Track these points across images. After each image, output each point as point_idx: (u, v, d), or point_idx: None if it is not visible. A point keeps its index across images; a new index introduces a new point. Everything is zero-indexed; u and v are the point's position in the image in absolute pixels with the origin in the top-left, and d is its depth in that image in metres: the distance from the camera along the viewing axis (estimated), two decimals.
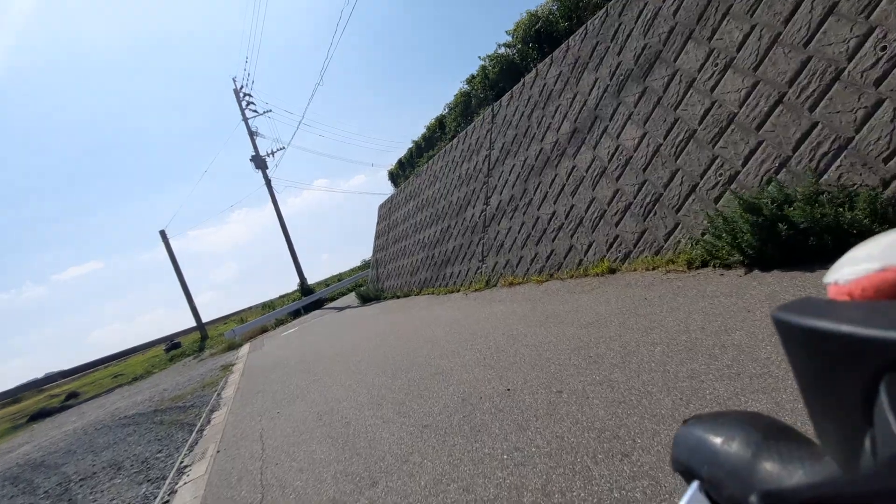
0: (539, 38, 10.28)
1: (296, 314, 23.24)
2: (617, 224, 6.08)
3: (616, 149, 6.33)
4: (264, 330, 20.88)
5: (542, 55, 9.95)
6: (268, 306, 34.32)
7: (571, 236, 6.86)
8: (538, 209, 7.81)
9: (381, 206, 19.04)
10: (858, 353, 0.24)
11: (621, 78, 6.47)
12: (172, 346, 29.35)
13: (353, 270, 40.86)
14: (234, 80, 25.80)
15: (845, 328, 0.24)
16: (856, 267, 0.30)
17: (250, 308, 38.72)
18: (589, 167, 6.77)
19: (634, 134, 6.06)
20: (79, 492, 4.94)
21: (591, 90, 7.02)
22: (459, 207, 10.96)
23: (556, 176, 7.49)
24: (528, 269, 7.76)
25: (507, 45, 10.83)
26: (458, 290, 9.90)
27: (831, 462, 0.28)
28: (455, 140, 12.00)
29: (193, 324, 28.55)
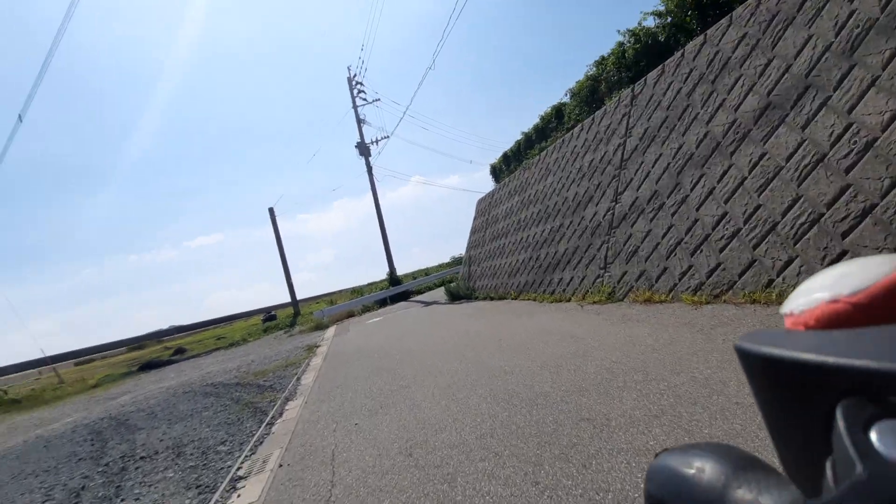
0: (700, 5, 8.38)
1: (382, 303, 23.06)
2: (845, 235, 4.21)
3: (845, 128, 4.44)
4: (351, 314, 20.87)
5: (704, 25, 8.07)
6: (356, 292, 35.07)
7: (755, 247, 5.05)
8: (697, 209, 6.03)
9: (480, 201, 17.91)
10: (814, 381, 0.25)
11: (857, 31, 4.55)
12: (269, 318, 31.10)
13: (440, 266, 40.53)
14: (349, 69, 26.39)
15: (801, 356, 0.25)
16: (808, 297, 0.31)
17: (340, 291, 40.04)
18: (792, 155, 4.91)
19: (882, 105, 4.15)
20: (131, 477, 4.36)
21: (800, 52, 5.13)
22: (577, 204, 9.39)
23: (729, 167, 5.68)
24: (674, 284, 6.02)
25: (656, 14, 9.02)
26: (568, 300, 8.38)
27: (796, 490, 0.29)
28: (577, 128, 10.42)
29: (289, 299, 29.87)
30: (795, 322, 0.31)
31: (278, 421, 5.06)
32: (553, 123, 13.45)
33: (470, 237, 18.00)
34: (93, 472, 4.78)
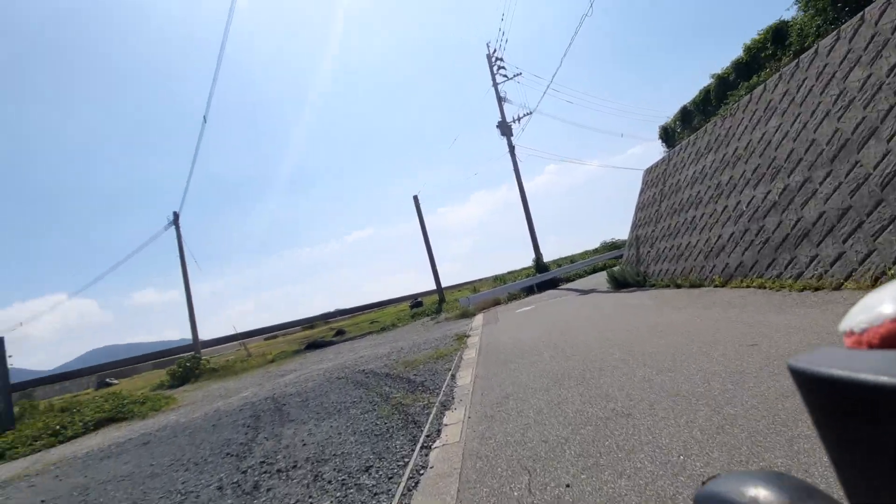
0: None
1: (528, 290, 21.33)
2: None
3: None
4: (497, 302, 19.62)
5: None
6: (499, 280, 33.92)
7: None
8: None
9: (649, 171, 14.86)
10: (885, 406, 0.23)
11: None
12: (415, 304, 31.84)
13: (585, 254, 37.07)
14: (488, 45, 24.96)
15: (866, 378, 0.23)
16: (872, 314, 0.29)
17: (482, 279, 39.49)
18: None
19: None
20: (263, 497, 3.44)
21: None
22: (840, 147, 6.32)
23: None
24: None
25: None
26: (838, 286, 5.57)
27: None
28: (825, 42, 7.16)
29: (433, 287, 30.05)
30: (857, 341, 0.29)
31: (436, 446, 3.67)
32: (770, 50, 9.96)
33: (636, 215, 15.09)
34: (228, 482, 4.03)
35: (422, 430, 4.12)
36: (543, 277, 22.17)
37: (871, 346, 0.28)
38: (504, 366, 6.18)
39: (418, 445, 3.72)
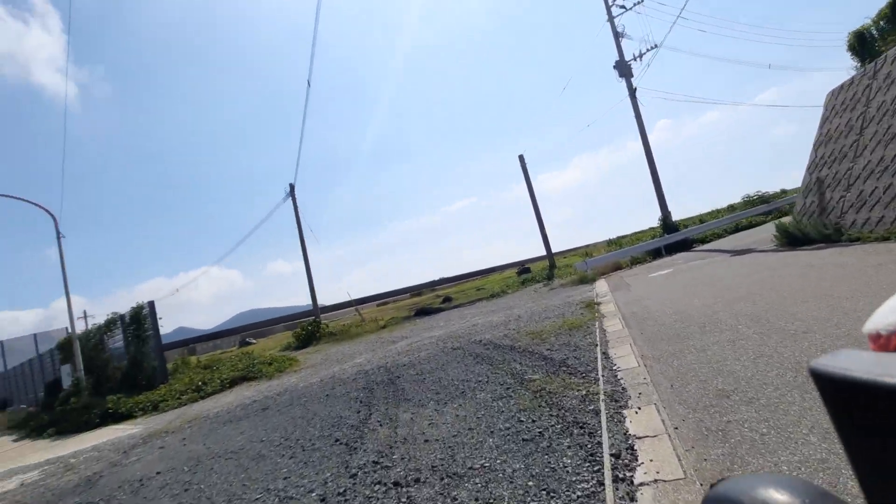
0: None
1: (655, 254, 18.61)
2: None
3: None
4: (617, 266, 17.36)
5: None
6: (613, 244, 30.85)
7: None
8: None
9: (834, 94, 11.32)
10: None
11: None
12: (523, 271, 30.41)
13: (717, 212, 31.97)
14: None
15: (894, 380, 0.22)
16: None
17: (592, 245, 36.47)
18: None
19: None
20: None
21: None
22: None
23: None
24: None
25: None
26: None
27: None
28: None
29: (540, 253, 28.23)
30: (884, 344, 0.28)
31: (643, 482, 2.22)
32: None
33: (815, 152, 11.70)
34: (332, 490, 3.10)
35: (598, 442, 2.75)
36: (673, 238, 19.14)
37: None
38: (680, 342, 4.54)
39: (607, 474, 2.35)
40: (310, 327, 18.82)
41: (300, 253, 21.38)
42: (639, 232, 34.95)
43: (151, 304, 12.93)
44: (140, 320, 13.10)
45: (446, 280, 63.20)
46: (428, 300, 30.44)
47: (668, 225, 20.65)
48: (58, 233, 12.98)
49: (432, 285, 60.36)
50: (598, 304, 9.34)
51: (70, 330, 13.20)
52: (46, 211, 12.92)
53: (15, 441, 11.76)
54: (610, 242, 31.64)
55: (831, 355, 0.27)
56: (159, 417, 9.57)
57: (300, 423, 5.36)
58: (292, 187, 20.83)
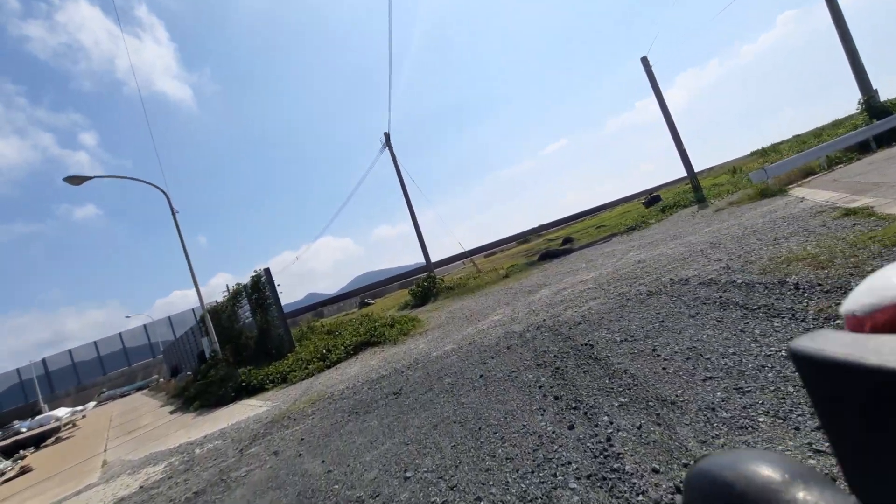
0: None
1: (861, 148, 13.62)
2: None
3: None
4: (809, 172, 12.91)
5: None
6: (768, 152, 24.75)
7: None
8: None
9: None
10: (886, 388, 0.22)
11: None
12: (652, 200, 25.81)
13: None
14: None
15: (871, 361, 0.23)
16: (875, 296, 0.28)
17: (739, 158, 29.99)
18: None
19: None
20: None
21: None
22: None
23: None
24: None
25: None
26: None
27: None
28: None
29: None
30: (859, 324, 0.28)
31: None
32: None
33: None
34: None
35: None
36: (886, 125, 13.80)
37: (874, 330, 0.27)
38: None
39: None
40: (425, 283, 17.42)
41: (402, 215, 19.96)
42: (800, 135, 27.58)
43: (267, 270, 12.20)
44: (260, 288, 12.53)
45: (552, 224, 59.30)
46: (540, 245, 27.64)
47: (874, 108, 15.02)
48: (171, 209, 12.66)
49: (539, 230, 57.24)
50: (865, 209, 5.96)
51: (200, 303, 13.09)
52: (158, 188, 12.65)
53: (171, 413, 12.07)
54: (764, 152, 25.42)
55: (810, 336, 0.27)
56: (287, 392, 8.59)
57: (459, 436, 3.31)
58: (387, 136, 19.10)
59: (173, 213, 12.69)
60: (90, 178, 11.59)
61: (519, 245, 43.43)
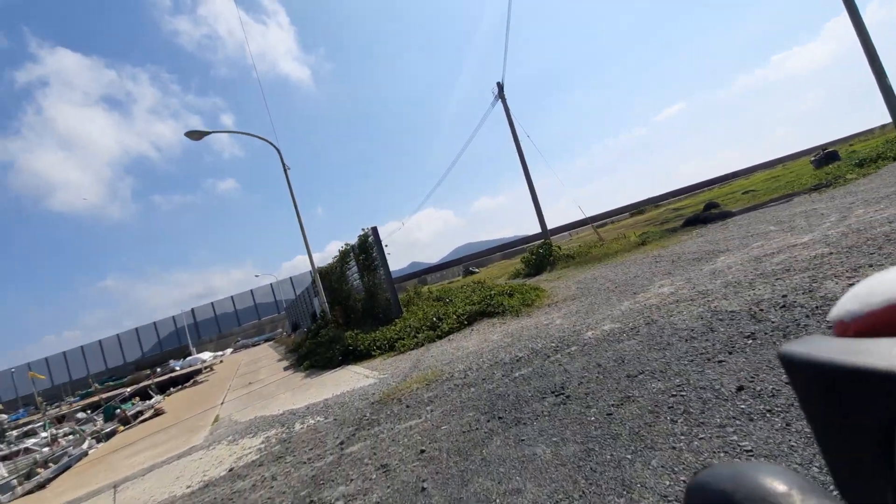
0: None
1: None
2: None
3: None
4: None
5: None
6: None
7: None
8: None
9: None
10: (875, 393, 0.22)
11: None
12: (826, 158, 20.48)
13: None
14: None
15: (860, 365, 0.22)
16: (861, 303, 0.28)
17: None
18: None
19: None
20: None
21: None
22: None
23: None
24: None
25: None
26: None
27: None
28: None
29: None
30: (846, 329, 0.28)
31: None
32: None
33: None
34: None
35: None
36: None
37: (860, 335, 0.27)
38: None
39: None
40: (540, 251, 15.40)
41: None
42: None
43: (374, 229, 11.21)
44: (367, 248, 11.65)
45: (669, 195, 52.70)
46: (663, 214, 23.71)
47: None
48: (283, 164, 12.20)
49: (653, 202, 51.34)
50: None
51: (309, 258, 12.67)
52: (271, 143, 12.26)
53: (285, 370, 11.94)
54: None
55: (800, 341, 0.27)
56: (395, 363, 7.45)
57: None
58: (500, 87, 16.98)
59: (285, 170, 12.25)
60: (208, 132, 11.49)
61: (633, 216, 38.83)
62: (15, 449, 17.14)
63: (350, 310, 14.01)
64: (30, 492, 7.47)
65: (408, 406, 4.52)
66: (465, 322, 8.83)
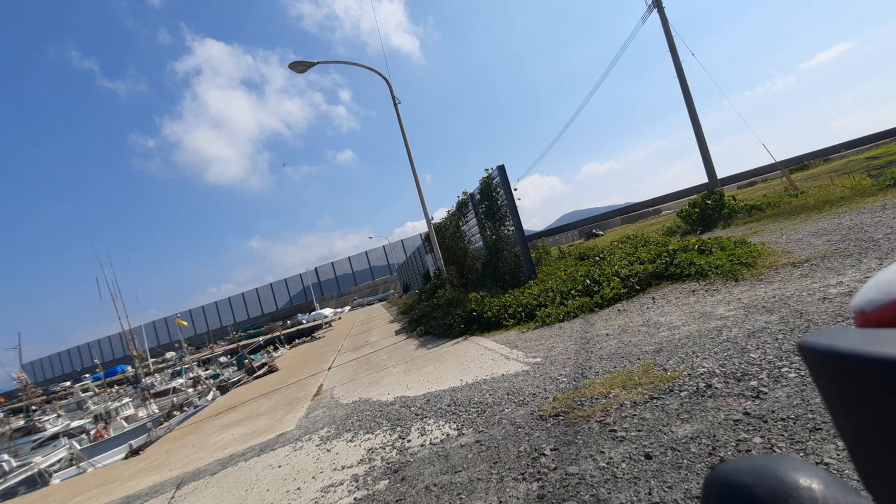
0: None
1: None
2: None
3: None
4: None
5: None
6: None
7: None
8: None
9: None
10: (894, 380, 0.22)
11: None
12: None
13: None
14: None
15: (883, 356, 0.22)
16: (882, 292, 0.27)
17: None
18: None
19: None
20: None
21: None
22: None
23: None
24: None
25: None
26: None
27: None
28: None
29: None
30: (868, 320, 0.27)
31: None
32: None
33: None
34: None
35: None
36: None
37: (883, 325, 0.26)
38: None
39: None
40: (707, 202, 11.66)
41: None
42: None
43: (501, 168, 8.83)
44: (490, 193, 9.36)
45: (806, 157, 41.90)
46: (816, 172, 17.45)
47: None
48: (394, 98, 10.32)
49: (826, 153, 41.41)
50: None
51: (421, 203, 10.82)
52: (380, 75, 10.42)
53: (396, 333, 10.47)
54: None
55: (820, 332, 0.26)
56: (542, 339, 5.16)
57: None
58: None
59: (395, 103, 10.38)
60: (313, 63, 10.02)
61: (796, 171, 30.89)
62: (167, 387, 19.10)
63: (466, 270, 12.05)
64: (149, 442, 6.90)
65: (620, 439, 2.16)
66: (636, 287, 6.15)
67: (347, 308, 42.63)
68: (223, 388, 12.32)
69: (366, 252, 54.40)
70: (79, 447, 12.39)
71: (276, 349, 19.50)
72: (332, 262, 54.39)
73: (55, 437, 14.72)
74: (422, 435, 3.11)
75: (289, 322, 41.28)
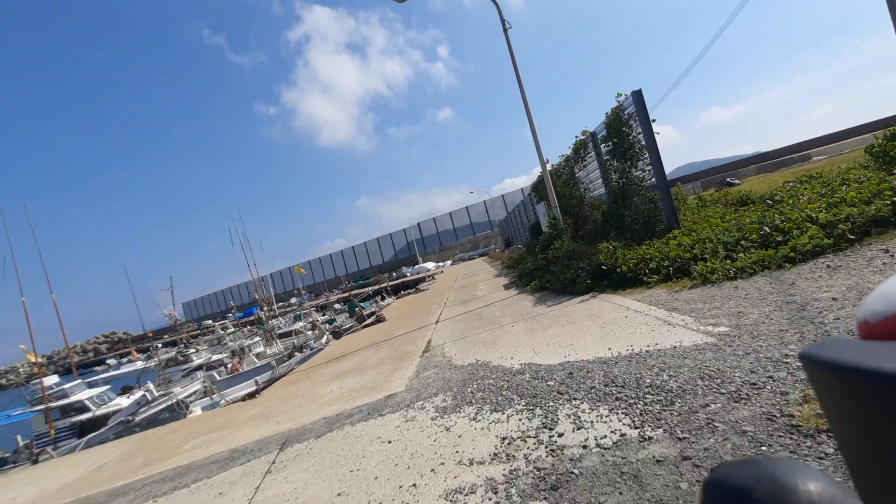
0: None
1: None
2: None
3: None
4: None
5: None
6: None
7: None
8: None
9: None
10: None
11: None
12: None
13: None
14: None
15: (886, 369, 0.21)
16: (888, 304, 0.27)
17: None
18: None
19: None
20: None
21: None
22: None
23: None
24: None
25: None
26: None
27: None
28: None
29: None
30: (872, 331, 0.27)
31: None
32: None
33: None
34: None
35: None
36: None
37: (886, 337, 0.26)
38: None
39: None
40: None
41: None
42: None
43: (637, 94, 7.14)
44: (620, 128, 7.74)
45: None
46: None
47: None
48: (503, 22, 9.00)
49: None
50: None
51: (532, 133, 9.58)
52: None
53: (506, 288, 9.67)
54: None
55: (823, 343, 0.26)
56: (716, 301, 3.89)
57: None
58: None
59: (504, 28, 9.04)
60: None
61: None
62: (289, 329, 21.06)
63: (582, 220, 10.65)
64: (268, 383, 7.19)
65: None
66: (848, 236, 4.43)
67: (449, 262, 43.20)
68: (336, 334, 12.86)
69: (466, 207, 54.09)
70: (218, 377, 14.17)
71: (383, 299, 20.18)
72: (433, 218, 55.31)
73: (199, 368, 17.16)
74: (578, 428, 2.24)
75: (394, 274, 43.21)
